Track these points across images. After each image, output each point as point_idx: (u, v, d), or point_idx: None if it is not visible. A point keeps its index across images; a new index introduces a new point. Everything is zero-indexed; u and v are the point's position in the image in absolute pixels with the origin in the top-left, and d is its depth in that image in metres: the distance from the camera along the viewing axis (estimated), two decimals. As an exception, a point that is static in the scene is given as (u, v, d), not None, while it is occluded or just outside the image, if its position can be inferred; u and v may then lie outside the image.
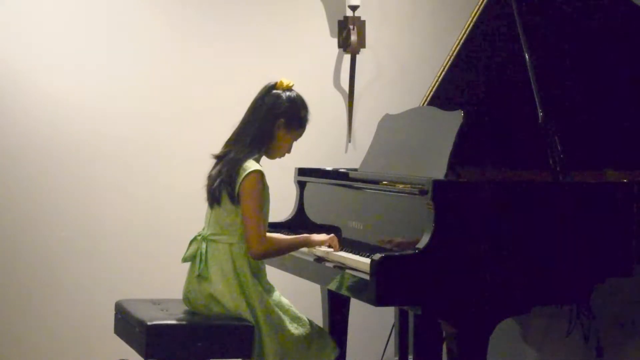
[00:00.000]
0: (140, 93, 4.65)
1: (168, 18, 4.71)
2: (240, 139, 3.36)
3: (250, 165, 3.29)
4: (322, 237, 3.47)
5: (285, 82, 3.42)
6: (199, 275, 3.31)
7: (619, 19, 3.86)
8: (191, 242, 3.40)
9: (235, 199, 3.28)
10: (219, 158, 3.37)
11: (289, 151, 3.47)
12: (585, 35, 3.85)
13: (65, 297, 4.57)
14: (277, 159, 3.50)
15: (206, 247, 3.33)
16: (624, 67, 3.87)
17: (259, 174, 3.29)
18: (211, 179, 3.36)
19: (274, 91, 3.41)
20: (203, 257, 3.32)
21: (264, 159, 3.43)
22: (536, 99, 3.53)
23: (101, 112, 4.60)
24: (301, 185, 4.05)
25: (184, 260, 3.39)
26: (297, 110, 3.41)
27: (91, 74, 4.59)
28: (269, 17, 4.85)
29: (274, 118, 3.37)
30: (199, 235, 3.39)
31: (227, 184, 3.29)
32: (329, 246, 3.46)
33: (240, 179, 3.27)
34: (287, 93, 3.41)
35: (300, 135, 3.46)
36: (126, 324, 3.40)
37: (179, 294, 3.41)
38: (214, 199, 3.33)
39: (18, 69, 4.50)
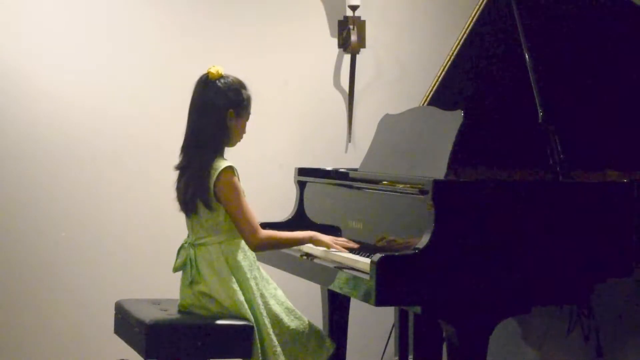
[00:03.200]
0: (140, 93, 4.65)
1: (168, 18, 4.71)
2: (197, 143, 3.30)
3: (220, 163, 3.27)
4: (329, 239, 3.42)
5: (215, 70, 3.33)
6: (191, 282, 3.30)
7: (619, 19, 3.86)
8: (179, 250, 3.38)
9: (211, 204, 3.25)
10: (183, 168, 3.33)
11: (245, 132, 3.40)
12: (586, 35, 3.85)
13: (65, 297, 4.56)
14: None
15: (194, 252, 3.31)
16: (624, 67, 3.87)
17: (231, 170, 3.26)
18: (181, 190, 3.32)
19: (211, 85, 3.32)
20: (193, 263, 3.30)
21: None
22: (536, 99, 3.53)
23: (101, 112, 4.60)
24: (301, 185, 4.05)
25: (175, 270, 3.37)
26: (240, 94, 3.34)
27: (91, 74, 4.59)
28: (269, 17, 4.85)
29: (222, 112, 3.31)
30: (186, 243, 3.37)
31: (200, 192, 3.25)
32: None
33: (213, 180, 3.24)
34: (223, 81, 3.33)
35: (250, 114, 3.39)
36: (126, 324, 3.40)
37: (178, 294, 3.41)
38: (189, 209, 3.31)
39: (18, 69, 4.50)
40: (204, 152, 3.29)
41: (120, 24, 4.64)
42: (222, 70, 3.34)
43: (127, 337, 3.42)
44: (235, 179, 3.27)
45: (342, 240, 3.46)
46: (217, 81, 3.32)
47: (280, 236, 3.37)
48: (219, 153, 3.32)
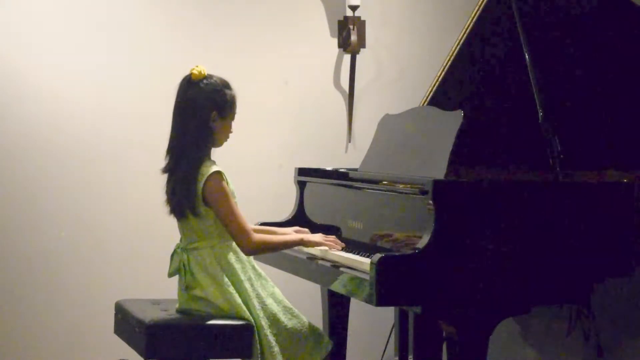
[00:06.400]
0: (140, 93, 4.65)
1: (168, 18, 4.72)
2: (182, 146, 3.23)
3: (207, 169, 3.21)
4: (318, 237, 3.43)
5: (198, 70, 3.26)
6: (187, 287, 3.28)
7: (619, 19, 3.86)
8: (172, 256, 3.35)
9: (198, 211, 3.21)
10: (170, 171, 3.26)
11: (231, 131, 3.33)
12: (585, 35, 3.85)
13: (65, 297, 4.56)
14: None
15: (187, 257, 3.29)
16: (624, 66, 3.87)
17: (219, 175, 3.21)
18: (169, 195, 3.27)
19: (194, 86, 3.25)
20: (187, 268, 3.28)
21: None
22: (536, 99, 3.53)
23: (101, 112, 4.60)
24: (301, 185, 4.05)
25: (170, 275, 3.35)
26: (223, 95, 3.27)
27: (91, 74, 4.59)
28: (269, 17, 4.85)
29: (206, 114, 3.24)
30: (178, 248, 3.34)
31: (185, 198, 3.20)
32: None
33: (200, 186, 3.19)
34: (205, 82, 3.26)
35: (235, 113, 3.32)
36: (126, 324, 3.40)
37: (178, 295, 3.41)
38: (178, 214, 3.26)
39: (18, 69, 4.50)
40: (190, 155, 3.22)
41: (120, 24, 4.63)
42: (205, 71, 3.28)
43: (127, 337, 3.42)
44: (224, 183, 3.22)
45: (331, 237, 3.46)
46: (200, 82, 3.26)
47: (272, 240, 3.36)
48: (206, 155, 3.26)
